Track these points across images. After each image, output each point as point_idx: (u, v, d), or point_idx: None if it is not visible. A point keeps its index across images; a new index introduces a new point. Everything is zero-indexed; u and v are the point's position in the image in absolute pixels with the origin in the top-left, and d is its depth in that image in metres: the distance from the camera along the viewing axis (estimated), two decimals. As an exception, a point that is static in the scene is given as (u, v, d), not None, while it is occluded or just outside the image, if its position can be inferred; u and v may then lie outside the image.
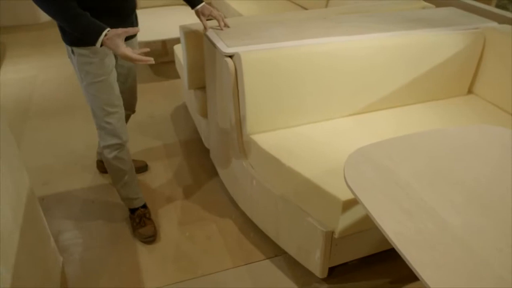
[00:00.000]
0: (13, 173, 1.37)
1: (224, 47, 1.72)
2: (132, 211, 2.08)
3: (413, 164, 1.18)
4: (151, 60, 1.47)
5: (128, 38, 1.83)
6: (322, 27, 1.96)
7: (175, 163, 2.52)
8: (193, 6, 1.97)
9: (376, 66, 1.88)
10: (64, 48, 1.77)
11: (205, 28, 1.96)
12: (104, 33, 1.46)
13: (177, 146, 2.68)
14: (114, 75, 1.76)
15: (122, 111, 1.82)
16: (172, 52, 3.75)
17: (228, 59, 1.69)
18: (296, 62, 1.73)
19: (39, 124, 2.97)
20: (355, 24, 2.03)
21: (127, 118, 2.13)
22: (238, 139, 1.83)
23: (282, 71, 1.71)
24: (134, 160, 2.29)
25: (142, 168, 2.48)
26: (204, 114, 2.30)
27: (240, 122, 1.80)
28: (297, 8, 3.79)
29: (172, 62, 3.72)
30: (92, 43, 1.47)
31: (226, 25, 1.98)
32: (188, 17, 3.85)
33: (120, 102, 1.80)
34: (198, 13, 1.97)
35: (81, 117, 3.00)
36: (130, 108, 2.11)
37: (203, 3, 1.97)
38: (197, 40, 2.08)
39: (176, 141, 2.73)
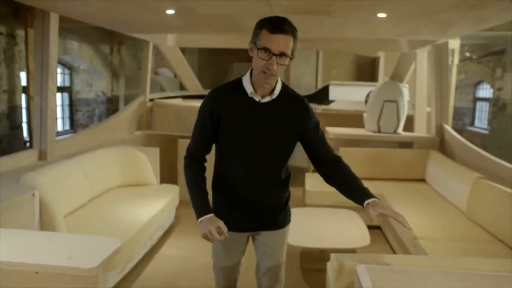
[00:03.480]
0: None
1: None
2: None
3: None
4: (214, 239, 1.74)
5: (268, 228, 1.98)
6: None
7: None
8: (362, 201, 1.78)
9: None
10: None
11: (372, 220, 1.69)
12: (199, 220, 1.79)
13: None
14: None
15: None
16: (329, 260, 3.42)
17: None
18: None
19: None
20: None
21: None
22: None
23: None
24: None
25: None
26: None
27: None
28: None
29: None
30: None
31: (407, 225, 1.68)
32: (351, 224, 3.57)
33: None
34: (367, 209, 1.73)
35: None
36: None
37: (375, 199, 1.74)
38: (349, 276, 1.73)
39: None
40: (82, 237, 2.13)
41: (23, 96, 6.07)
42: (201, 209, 1.82)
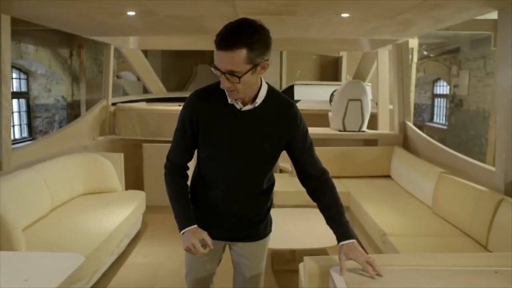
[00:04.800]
0: None
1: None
2: None
3: None
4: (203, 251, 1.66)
5: (247, 240, 1.88)
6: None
7: None
8: (338, 239, 1.68)
9: None
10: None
11: (341, 270, 1.58)
12: (181, 232, 1.69)
13: None
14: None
15: None
16: (300, 260, 3.42)
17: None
18: None
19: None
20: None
21: None
22: None
23: None
24: None
25: None
26: None
27: None
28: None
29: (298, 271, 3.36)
30: None
31: (378, 274, 1.56)
32: (320, 224, 3.57)
33: None
34: (340, 251, 1.64)
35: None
36: None
37: (351, 241, 1.63)
38: (322, 279, 1.71)
39: None
40: (40, 255, 2.00)
41: (-24, 103, 5.75)
42: (183, 220, 1.70)
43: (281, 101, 1.72)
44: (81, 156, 4.25)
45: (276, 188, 4.61)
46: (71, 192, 3.94)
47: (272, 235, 3.25)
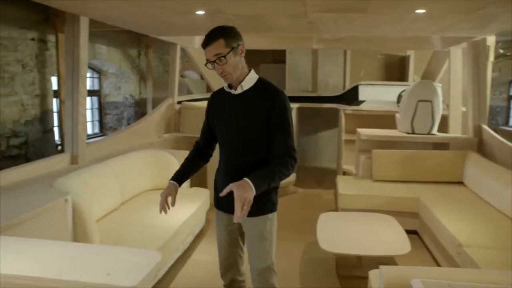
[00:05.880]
0: None
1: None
2: None
3: None
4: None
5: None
6: None
7: None
8: None
9: None
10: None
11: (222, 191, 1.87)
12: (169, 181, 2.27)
13: None
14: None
15: None
16: (367, 267, 3.27)
17: None
18: None
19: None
20: None
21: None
22: None
23: None
24: None
25: None
26: None
27: None
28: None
29: (366, 278, 3.22)
30: None
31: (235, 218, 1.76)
32: (388, 230, 3.41)
33: None
34: None
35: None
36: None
37: (245, 179, 1.84)
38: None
39: None
40: (118, 250, 2.07)
41: (55, 100, 6.15)
42: (173, 175, 2.29)
43: (270, 88, 2.07)
44: (149, 152, 4.38)
45: (340, 190, 4.52)
46: (140, 187, 4.07)
47: (336, 239, 3.18)
